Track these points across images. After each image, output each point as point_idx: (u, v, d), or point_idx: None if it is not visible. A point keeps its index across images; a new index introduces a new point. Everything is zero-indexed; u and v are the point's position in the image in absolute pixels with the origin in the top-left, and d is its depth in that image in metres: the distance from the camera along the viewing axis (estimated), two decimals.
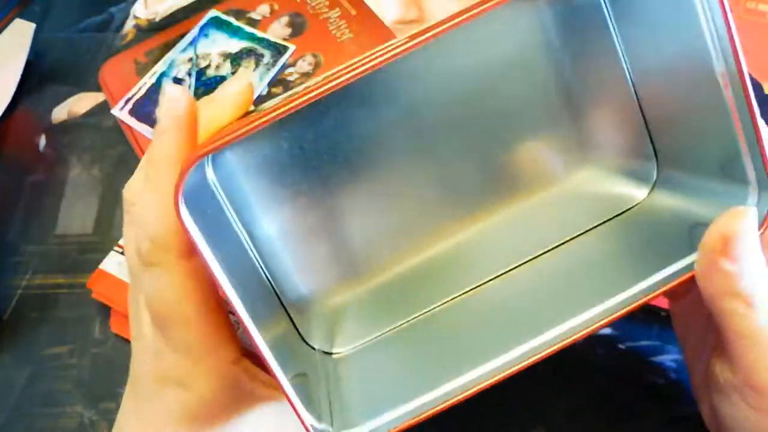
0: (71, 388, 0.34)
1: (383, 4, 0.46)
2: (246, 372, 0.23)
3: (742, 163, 0.22)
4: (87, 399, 0.34)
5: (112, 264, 0.34)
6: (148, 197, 0.21)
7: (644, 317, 0.34)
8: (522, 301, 0.26)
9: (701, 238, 0.22)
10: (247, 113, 0.22)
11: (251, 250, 0.25)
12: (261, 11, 0.46)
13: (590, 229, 0.27)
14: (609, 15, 0.25)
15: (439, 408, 0.22)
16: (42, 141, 0.43)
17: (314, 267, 0.27)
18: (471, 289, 0.27)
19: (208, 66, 0.43)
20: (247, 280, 0.24)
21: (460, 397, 0.22)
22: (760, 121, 0.21)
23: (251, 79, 0.23)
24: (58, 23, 0.49)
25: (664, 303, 0.33)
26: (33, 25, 0.48)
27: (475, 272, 0.28)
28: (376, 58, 0.18)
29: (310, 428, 0.21)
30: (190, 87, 0.42)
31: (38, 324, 0.36)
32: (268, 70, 0.42)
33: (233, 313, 0.20)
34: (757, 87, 0.37)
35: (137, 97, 0.42)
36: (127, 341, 0.35)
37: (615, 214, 0.28)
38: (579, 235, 0.27)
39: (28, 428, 0.34)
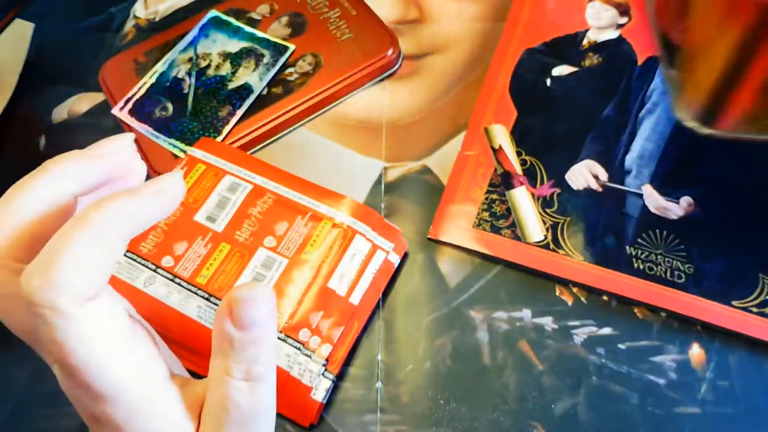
0: None
1: (383, 4, 0.46)
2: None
3: None
4: None
5: None
6: None
7: (644, 317, 0.34)
8: None
9: None
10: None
11: None
12: (261, 11, 0.46)
13: None
14: None
15: None
16: (42, 141, 0.44)
17: None
18: None
19: (208, 66, 0.43)
20: None
21: None
22: None
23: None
24: (58, 23, 0.49)
25: (664, 303, 0.33)
26: (33, 25, 0.48)
27: None
28: None
29: None
30: (190, 87, 0.42)
31: None
32: (268, 70, 0.42)
33: None
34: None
35: (137, 97, 0.42)
36: None
37: None
38: None
39: (29, 428, 0.34)
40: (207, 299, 0.33)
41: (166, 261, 0.34)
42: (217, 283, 0.33)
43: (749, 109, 0.27)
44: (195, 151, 0.38)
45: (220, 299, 0.33)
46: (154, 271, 0.34)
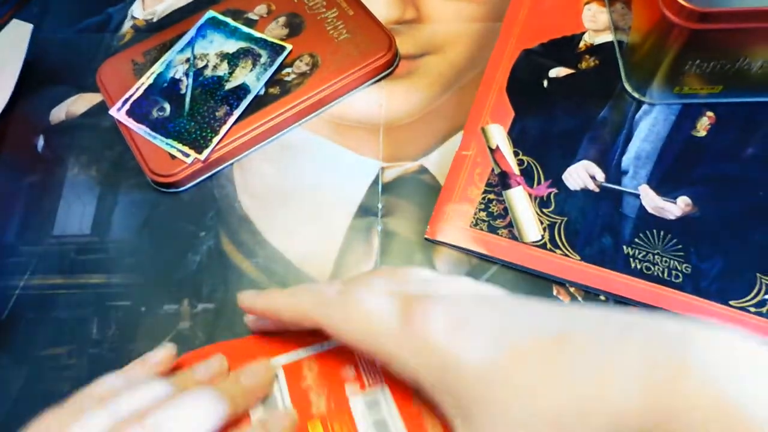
0: (69, 388, 0.34)
1: (381, 5, 0.46)
2: None
3: None
4: None
5: None
6: None
7: None
8: None
9: None
10: None
11: None
12: (258, 11, 0.46)
13: None
14: None
15: None
16: (40, 141, 0.44)
17: None
18: None
19: (206, 66, 0.43)
20: None
21: None
22: None
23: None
24: (56, 24, 0.49)
25: (662, 303, 0.33)
26: (31, 26, 0.48)
27: None
28: None
29: None
30: (187, 87, 0.42)
31: (36, 325, 0.36)
32: (266, 70, 0.42)
33: None
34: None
35: (135, 97, 0.42)
36: (126, 342, 0.35)
37: None
38: None
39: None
40: None
41: None
42: None
43: (666, 82, 0.38)
44: None
45: None
46: None
